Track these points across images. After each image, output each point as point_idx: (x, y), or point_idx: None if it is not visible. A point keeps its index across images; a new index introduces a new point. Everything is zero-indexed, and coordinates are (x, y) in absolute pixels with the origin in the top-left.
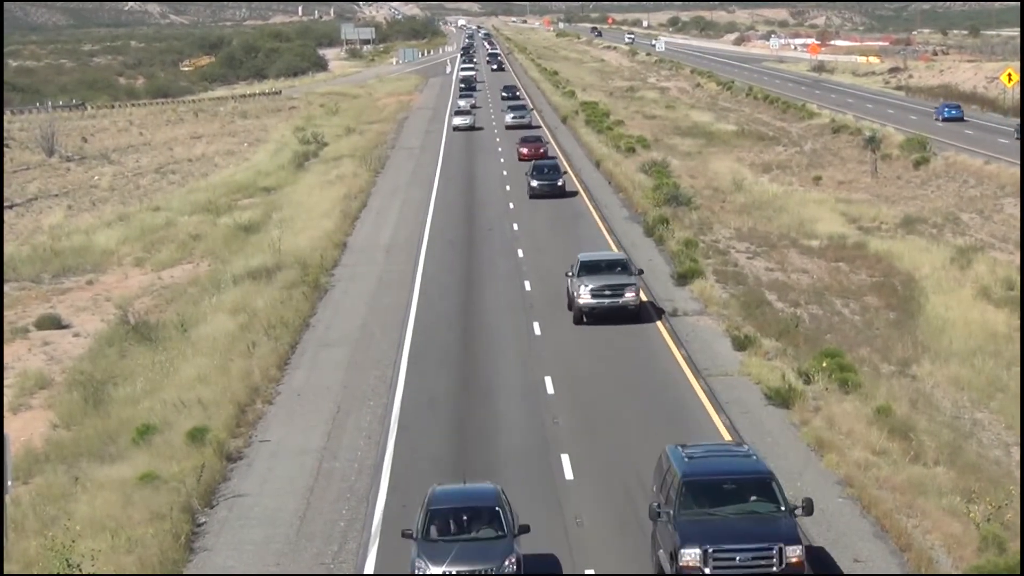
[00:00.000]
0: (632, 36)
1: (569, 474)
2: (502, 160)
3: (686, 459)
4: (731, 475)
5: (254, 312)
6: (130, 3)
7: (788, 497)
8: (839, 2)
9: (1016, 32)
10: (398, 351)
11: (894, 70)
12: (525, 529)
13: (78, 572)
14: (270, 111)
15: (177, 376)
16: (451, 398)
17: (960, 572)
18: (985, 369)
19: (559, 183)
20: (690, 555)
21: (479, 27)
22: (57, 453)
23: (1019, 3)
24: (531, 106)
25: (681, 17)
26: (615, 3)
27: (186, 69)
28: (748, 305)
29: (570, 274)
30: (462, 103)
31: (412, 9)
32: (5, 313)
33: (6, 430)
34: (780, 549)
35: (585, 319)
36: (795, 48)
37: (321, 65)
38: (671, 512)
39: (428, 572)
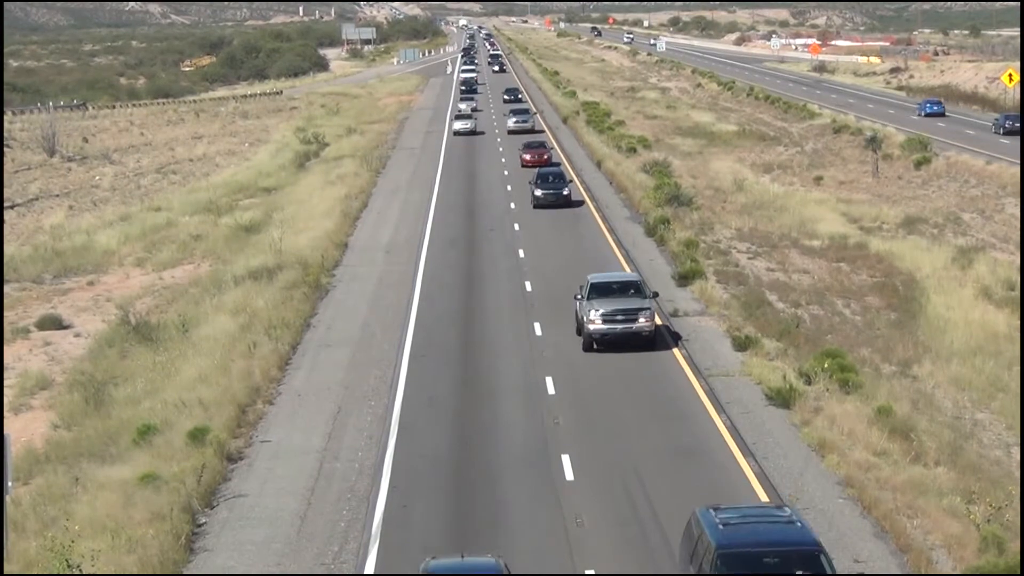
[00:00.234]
0: (631, 36)
1: (569, 474)
2: (503, 160)
3: (720, 526)
4: (774, 547)
5: (255, 312)
6: (131, 3)
7: (836, 568)
8: (840, 2)
9: (1016, 32)
10: (399, 351)
11: (895, 70)
12: None
13: (78, 572)
14: (271, 111)
15: (178, 376)
16: (452, 398)
17: (960, 572)
18: (986, 369)
19: (564, 192)
20: None
21: (480, 27)
22: (57, 453)
23: (1019, 3)
24: (534, 110)
25: (682, 17)
26: (616, 3)
27: (187, 69)
28: (749, 305)
29: (579, 297)
30: (463, 106)
31: (413, 9)
32: (6, 313)
33: (7, 430)
34: None
35: (596, 346)
36: (796, 48)
37: (322, 65)
38: None
39: None
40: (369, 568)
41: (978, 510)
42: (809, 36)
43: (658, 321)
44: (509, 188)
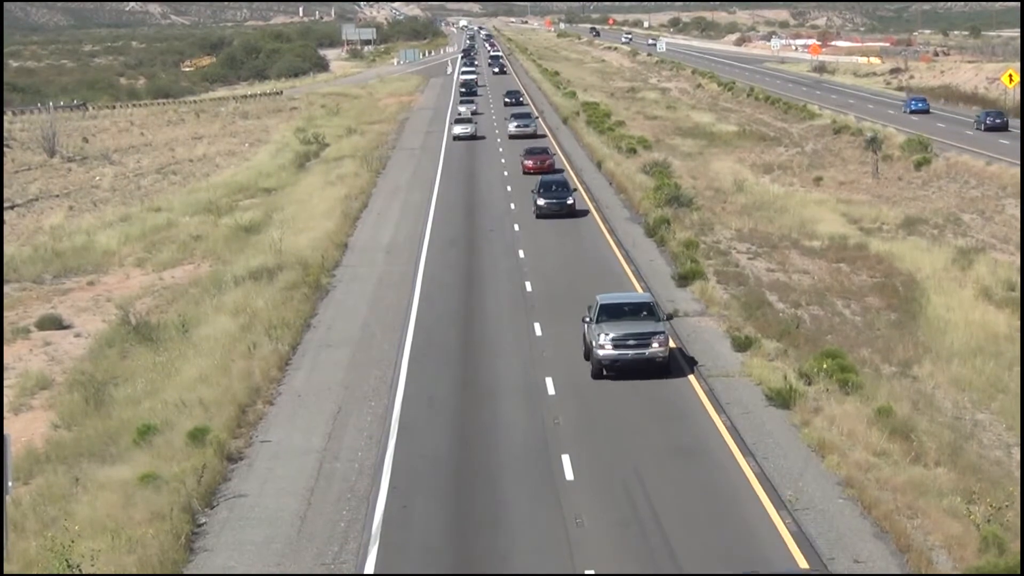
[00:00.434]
0: (629, 36)
1: (570, 474)
2: (503, 161)
3: None
4: None
5: (255, 312)
6: (131, 3)
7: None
8: (840, 3)
9: (1017, 33)
10: (399, 351)
11: (895, 71)
12: None
13: (78, 572)
14: (271, 111)
15: (178, 377)
16: (452, 398)
17: (960, 573)
18: (986, 370)
19: (568, 201)
20: None
21: (480, 28)
22: (58, 453)
23: (1019, 4)
24: (536, 114)
25: (682, 18)
26: (616, 3)
27: (187, 69)
28: (749, 306)
29: (587, 319)
30: (462, 109)
31: (413, 10)
32: (6, 313)
33: (7, 430)
34: None
35: (605, 373)
36: (796, 49)
37: (322, 66)
38: None
39: None
40: (369, 568)
41: (978, 510)
42: (809, 37)
43: (672, 344)
44: (509, 188)
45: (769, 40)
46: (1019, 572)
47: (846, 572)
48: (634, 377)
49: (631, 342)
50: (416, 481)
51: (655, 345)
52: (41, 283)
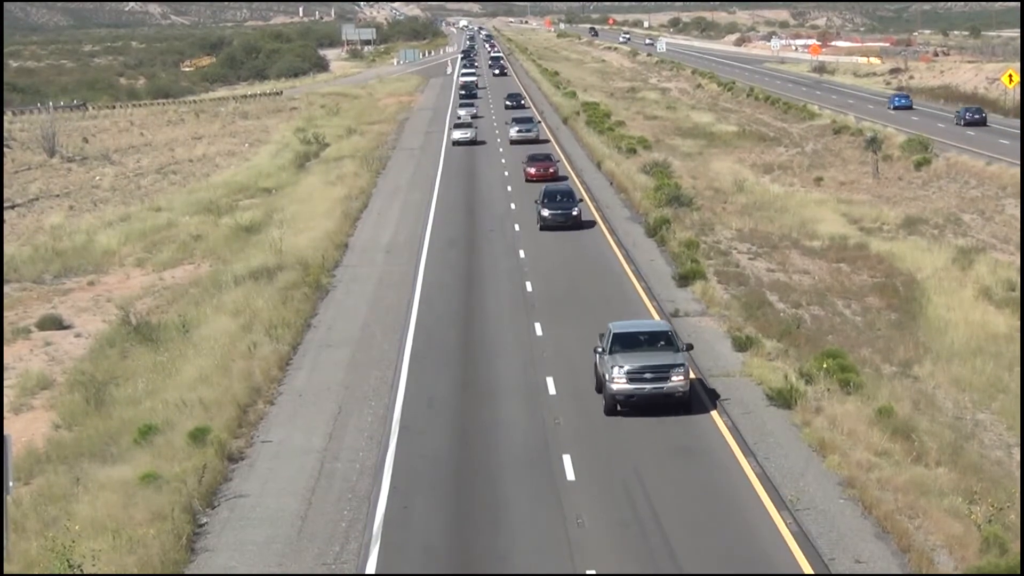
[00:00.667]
0: (627, 36)
1: (570, 474)
2: (503, 161)
3: None
4: None
5: (255, 312)
6: (131, 3)
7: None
8: (840, 3)
9: (1016, 33)
10: (399, 351)
11: (895, 71)
12: None
13: (79, 572)
14: (271, 112)
15: (178, 376)
16: (452, 398)
17: (961, 573)
18: (986, 370)
19: (574, 212)
20: None
21: (480, 28)
22: (58, 453)
23: (1019, 4)
24: (538, 118)
25: (682, 18)
26: (616, 3)
27: (187, 69)
28: (749, 306)
29: (599, 349)
30: (462, 113)
31: (413, 10)
32: (6, 313)
33: (7, 430)
34: None
35: (620, 408)
36: (796, 49)
37: (322, 66)
38: None
39: None
40: (370, 568)
41: (979, 510)
42: (809, 37)
43: (692, 375)
44: (509, 188)
45: (769, 40)
46: (1020, 572)
47: (847, 572)
48: (651, 414)
49: (648, 375)
50: (417, 481)
51: (674, 379)
52: (41, 283)
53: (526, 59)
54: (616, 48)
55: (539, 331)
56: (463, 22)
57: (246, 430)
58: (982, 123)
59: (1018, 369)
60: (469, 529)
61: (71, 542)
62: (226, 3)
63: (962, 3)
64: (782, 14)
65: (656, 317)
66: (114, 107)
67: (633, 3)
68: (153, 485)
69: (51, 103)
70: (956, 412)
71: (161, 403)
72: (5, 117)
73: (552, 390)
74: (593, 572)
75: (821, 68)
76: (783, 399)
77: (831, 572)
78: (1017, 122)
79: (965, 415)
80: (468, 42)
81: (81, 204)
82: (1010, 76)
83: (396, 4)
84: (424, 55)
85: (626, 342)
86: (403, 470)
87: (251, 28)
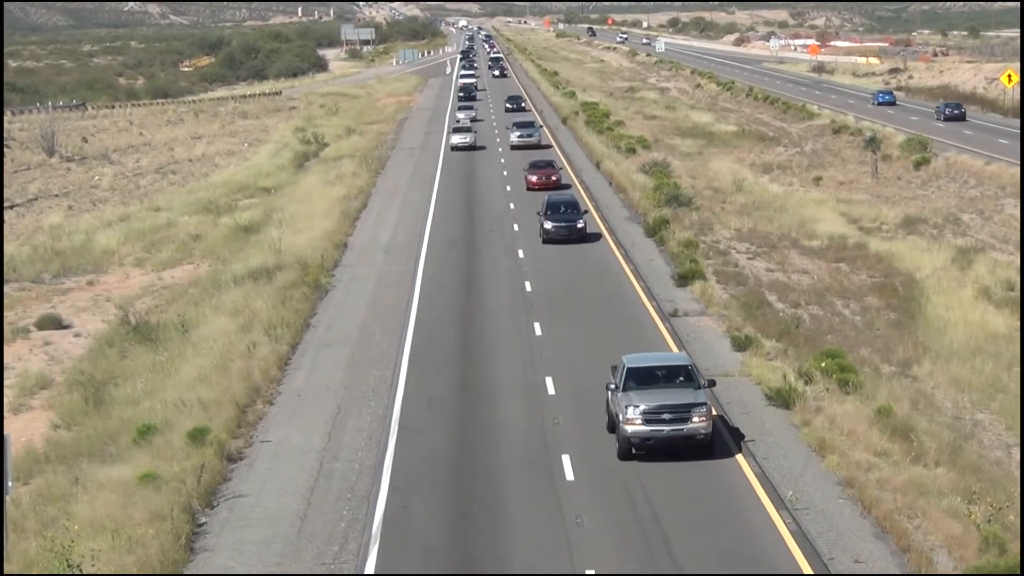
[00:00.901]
0: (625, 36)
1: (570, 474)
2: (503, 160)
3: None
4: None
5: (254, 312)
6: (130, 3)
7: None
8: (839, 3)
9: (1016, 33)
10: (398, 351)
11: (894, 71)
12: None
13: (78, 572)
14: (270, 111)
15: (177, 376)
16: (452, 398)
17: (961, 573)
18: (985, 370)
19: (579, 224)
20: None
21: (479, 28)
22: (57, 453)
23: (1019, 4)
24: (540, 123)
25: (681, 18)
26: (616, 3)
27: (186, 69)
28: (749, 306)
29: (612, 386)
30: (461, 116)
31: (412, 10)
32: (6, 313)
33: (7, 430)
34: None
35: (635, 451)
36: (795, 49)
37: (321, 66)
38: None
39: None
40: (369, 568)
41: (978, 510)
42: (808, 37)
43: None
44: (508, 188)
45: (768, 40)
46: (1019, 572)
47: (846, 572)
48: (670, 458)
49: (666, 416)
50: (416, 481)
51: (696, 419)
52: (40, 283)
53: (525, 59)
54: (615, 48)
55: (538, 331)
56: (462, 22)
57: (245, 430)
58: (961, 118)
59: (1017, 369)
60: (468, 529)
61: (70, 542)
62: (225, 3)
63: (961, 3)
64: (781, 14)
65: (655, 317)
66: (113, 107)
67: (632, 3)
68: (152, 485)
69: (50, 103)
70: (955, 412)
71: (160, 403)
72: (4, 117)
73: (551, 390)
74: (593, 572)
75: (820, 68)
76: (782, 399)
77: (830, 572)
78: (1015, 121)
79: (964, 415)
80: (467, 42)
81: (80, 204)
82: (1009, 76)
83: (395, 4)
84: (423, 55)
85: (641, 378)
86: (402, 470)
87: (250, 28)
